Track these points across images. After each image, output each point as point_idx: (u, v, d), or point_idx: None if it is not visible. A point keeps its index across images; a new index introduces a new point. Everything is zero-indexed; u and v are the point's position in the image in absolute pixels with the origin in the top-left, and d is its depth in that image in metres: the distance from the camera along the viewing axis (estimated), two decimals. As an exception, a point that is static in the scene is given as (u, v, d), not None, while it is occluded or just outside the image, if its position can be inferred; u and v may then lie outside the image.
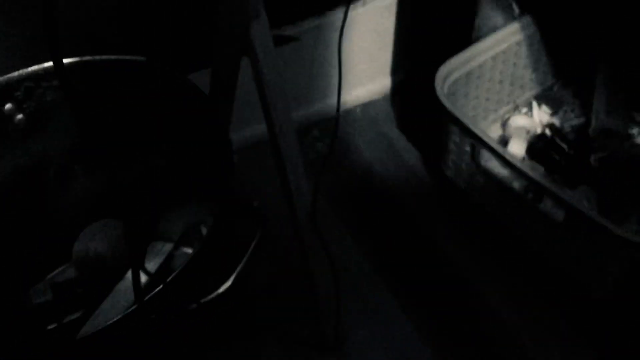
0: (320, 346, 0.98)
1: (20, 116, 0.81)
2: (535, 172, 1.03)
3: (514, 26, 1.22)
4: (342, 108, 1.34)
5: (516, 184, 1.08)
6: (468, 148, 1.11)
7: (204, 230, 0.93)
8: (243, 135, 1.20)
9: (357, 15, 1.26)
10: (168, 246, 0.90)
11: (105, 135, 0.89)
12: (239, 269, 0.69)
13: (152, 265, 0.88)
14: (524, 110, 1.33)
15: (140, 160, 0.90)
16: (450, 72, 1.16)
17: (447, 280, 1.10)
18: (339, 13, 1.23)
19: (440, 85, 1.12)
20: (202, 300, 0.66)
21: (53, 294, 0.89)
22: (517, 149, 1.22)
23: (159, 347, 0.70)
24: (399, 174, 1.26)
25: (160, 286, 0.63)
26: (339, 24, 0.72)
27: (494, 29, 1.21)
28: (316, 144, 1.30)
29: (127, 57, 0.83)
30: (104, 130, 0.88)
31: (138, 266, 0.55)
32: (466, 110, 1.23)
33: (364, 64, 1.35)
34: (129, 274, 0.85)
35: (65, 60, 0.79)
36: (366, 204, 1.22)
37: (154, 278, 0.84)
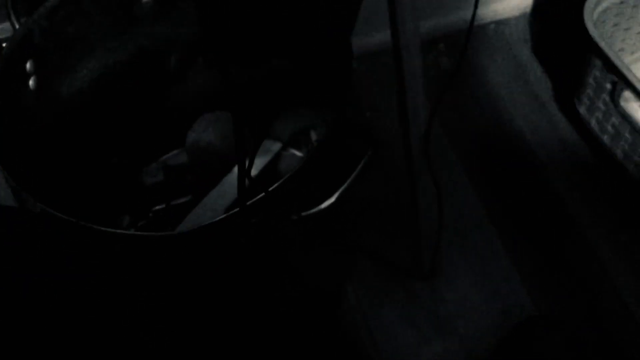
0: (414, 273, 0.97)
1: (151, -3, 0.79)
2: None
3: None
4: (475, 23, 1.24)
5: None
6: (609, 85, 1.02)
7: (313, 135, 0.92)
8: (362, 42, 1.14)
9: None
10: (277, 145, 0.91)
11: (228, 29, 0.88)
12: (344, 186, 0.67)
13: (260, 162, 0.89)
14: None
15: (261, 58, 0.88)
16: (604, -2, 1.06)
17: (557, 223, 1.05)
18: None
19: (590, 11, 1.03)
20: (303, 213, 0.65)
21: (164, 176, 0.92)
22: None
23: (252, 253, 0.70)
24: (525, 103, 1.19)
25: (263, 193, 0.62)
26: None
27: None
28: (440, 59, 1.23)
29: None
30: (228, 24, 0.87)
31: (244, 167, 0.53)
32: (613, 43, 1.11)
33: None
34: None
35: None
36: (483, 132, 1.16)
37: (257, 179, 0.84)
